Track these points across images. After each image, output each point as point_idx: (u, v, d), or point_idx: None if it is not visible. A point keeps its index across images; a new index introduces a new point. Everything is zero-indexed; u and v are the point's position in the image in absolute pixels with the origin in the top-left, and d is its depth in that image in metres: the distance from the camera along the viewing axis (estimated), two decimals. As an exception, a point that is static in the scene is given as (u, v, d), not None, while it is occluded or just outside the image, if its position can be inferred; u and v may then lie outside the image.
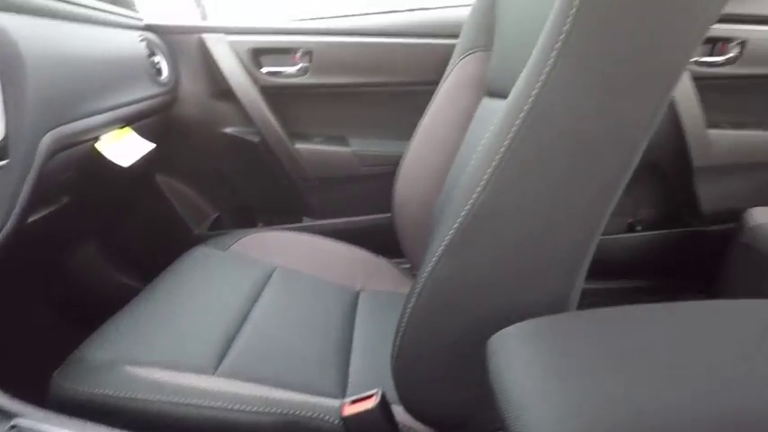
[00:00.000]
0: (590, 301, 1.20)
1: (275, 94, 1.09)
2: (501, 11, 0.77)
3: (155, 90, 0.94)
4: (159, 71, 0.99)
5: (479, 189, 0.42)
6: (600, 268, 1.18)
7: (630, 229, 1.19)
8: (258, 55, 1.07)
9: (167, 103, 1.02)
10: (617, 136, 0.40)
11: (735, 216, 1.05)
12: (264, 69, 1.08)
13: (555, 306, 0.48)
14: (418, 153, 0.92)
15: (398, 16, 1.07)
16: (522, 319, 0.43)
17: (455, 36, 0.90)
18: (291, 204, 1.21)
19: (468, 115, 0.84)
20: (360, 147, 1.13)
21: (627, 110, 0.39)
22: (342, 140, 1.15)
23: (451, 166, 0.84)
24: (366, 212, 1.17)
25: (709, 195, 1.09)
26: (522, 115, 0.39)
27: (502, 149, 0.41)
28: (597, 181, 0.42)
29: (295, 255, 0.90)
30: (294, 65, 1.08)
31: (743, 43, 0.99)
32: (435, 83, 0.90)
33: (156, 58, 0.99)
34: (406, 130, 0.95)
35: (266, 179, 1.17)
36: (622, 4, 0.36)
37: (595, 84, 0.38)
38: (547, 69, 0.38)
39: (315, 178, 1.14)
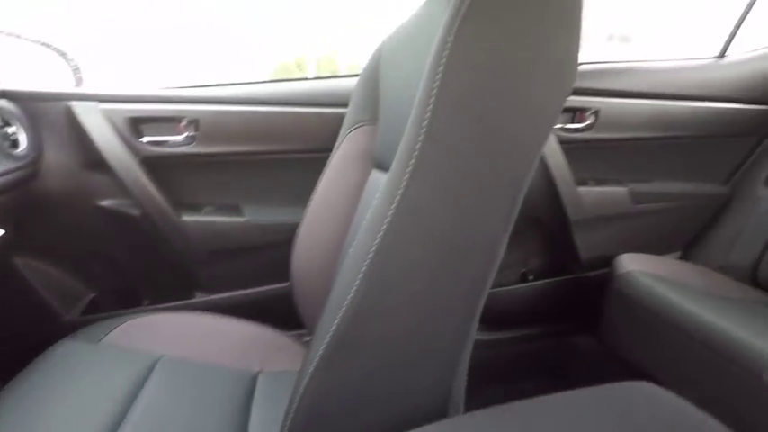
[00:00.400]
0: (492, 352, 1.26)
1: (158, 165, 1.02)
2: (383, 84, 0.80)
3: (8, 165, 0.82)
4: (15, 143, 0.88)
5: (365, 265, 0.41)
6: (497, 318, 1.25)
7: (523, 278, 1.26)
8: (138, 124, 1.00)
9: (26, 178, 0.90)
10: (493, 204, 0.42)
11: (609, 262, 1.16)
12: (145, 139, 1.01)
13: (440, 392, 0.47)
14: (314, 222, 0.90)
15: (289, 85, 1.07)
16: (408, 397, 0.41)
17: (346, 105, 0.91)
18: (181, 280, 1.11)
19: (359, 187, 0.84)
20: (254, 216, 1.09)
21: (496, 181, 0.41)
22: (235, 210, 1.10)
23: (346, 236, 0.83)
24: (263, 283, 1.12)
25: (585, 244, 1.20)
26: (400, 191, 0.40)
27: (383, 227, 0.40)
28: (479, 246, 0.43)
29: (183, 339, 0.82)
30: (179, 134, 1.02)
31: (596, 112, 1.14)
32: (329, 150, 0.91)
33: (11, 129, 0.88)
34: (301, 197, 0.94)
35: (150, 255, 1.07)
36: (478, 89, 0.37)
37: (461, 162, 0.40)
38: (418, 146, 0.39)
39: (205, 251, 1.07)
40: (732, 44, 1.23)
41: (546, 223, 1.20)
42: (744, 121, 1.22)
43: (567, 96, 0.43)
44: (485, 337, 1.22)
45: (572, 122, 1.15)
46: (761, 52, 1.23)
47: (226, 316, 0.90)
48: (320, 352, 0.44)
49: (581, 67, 1.17)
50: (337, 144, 0.89)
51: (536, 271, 1.26)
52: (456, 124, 0.39)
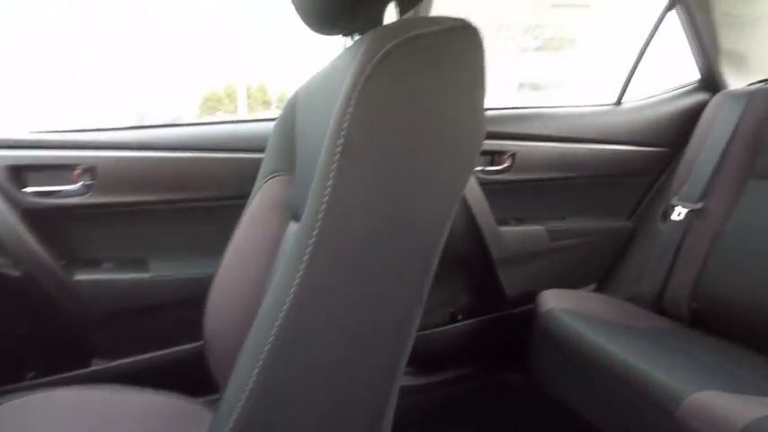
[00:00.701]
0: (423, 397, 1.24)
1: (46, 217, 0.90)
2: (298, 132, 0.77)
3: None
4: None
5: (277, 324, 0.38)
6: (427, 361, 1.23)
7: (453, 318, 1.26)
8: (20, 173, 0.88)
9: None
10: (404, 271, 0.40)
11: (533, 297, 1.19)
12: (29, 189, 0.89)
13: None
14: (229, 275, 0.83)
15: (199, 128, 1.01)
16: None
17: (262, 150, 0.87)
18: (73, 347, 0.97)
19: (276, 239, 0.79)
20: (162, 270, 0.99)
21: (403, 253, 0.40)
22: (140, 264, 0.99)
23: (263, 291, 0.78)
24: (173, 344, 1.01)
25: (510, 281, 1.23)
26: (311, 241, 0.37)
27: (296, 281, 0.38)
28: (400, 295, 0.41)
29: (70, 424, 0.70)
30: (73, 183, 0.91)
31: (513, 155, 1.19)
32: (244, 198, 0.85)
33: None
34: (214, 249, 0.86)
35: (35, 320, 0.93)
36: (382, 152, 0.36)
37: (365, 227, 0.38)
38: (326, 198, 0.37)
39: (103, 312, 0.95)
40: (627, 92, 1.36)
41: (471, 262, 1.21)
42: (641, 161, 1.34)
43: (476, 157, 0.42)
44: (415, 382, 1.19)
45: (491, 165, 1.19)
46: (651, 100, 1.37)
47: (127, 387, 0.79)
48: (230, 425, 0.39)
49: (499, 113, 1.22)
50: (253, 193, 0.83)
51: (465, 310, 1.27)
52: (359, 191, 0.37)
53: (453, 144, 0.40)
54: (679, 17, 1.25)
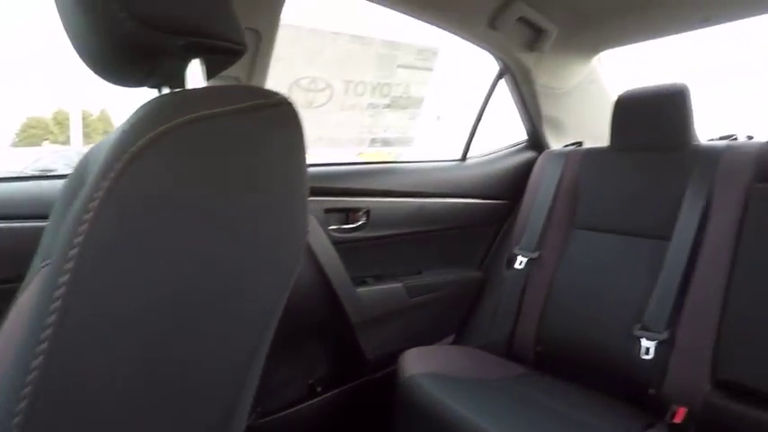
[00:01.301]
0: None
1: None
2: None
3: None
4: None
5: None
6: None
7: (312, 391, 1.14)
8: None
9: None
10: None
11: (395, 357, 1.14)
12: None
13: None
14: None
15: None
16: None
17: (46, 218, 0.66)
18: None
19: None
20: None
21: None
22: None
23: None
24: None
25: (371, 344, 1.17)
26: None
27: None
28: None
29: None
30: None
31: (368, 212, 1.15)
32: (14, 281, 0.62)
33: None
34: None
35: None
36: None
37: None
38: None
39: None
40: (471, 148, 1.45)
41: (329, 328, 1.12)
42: (486, 213, 1.42)
43: (298, 257, 0.36)
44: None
45: (346, 223, 1.14)
46: (490, 156, 1.48)
47: None
48: None
49: (352, 168, 1.18)
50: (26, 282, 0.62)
51: (324, 380, 1.16)
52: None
53: (264, 240, 0.35)
54: (507, 85, 1.39)
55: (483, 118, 1.41)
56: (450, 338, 1.40)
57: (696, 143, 1.10)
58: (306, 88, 1.02)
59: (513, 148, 1.51)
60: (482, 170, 1.42)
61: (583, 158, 1.25)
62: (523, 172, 1.41)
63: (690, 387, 0.92)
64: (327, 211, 1.07)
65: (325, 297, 1.06)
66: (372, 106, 1.13)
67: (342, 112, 1.10)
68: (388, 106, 1.17)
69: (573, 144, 1.41)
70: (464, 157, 1.43)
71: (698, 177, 1.03)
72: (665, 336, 0.95)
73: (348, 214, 1.14)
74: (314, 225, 1.02)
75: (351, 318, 1.10)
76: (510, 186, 1.44)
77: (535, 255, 1.22)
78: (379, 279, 1.20)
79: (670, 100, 1.09)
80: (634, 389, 0.98)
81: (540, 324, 1.17)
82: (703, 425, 0.88)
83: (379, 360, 1.18)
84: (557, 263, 1.19)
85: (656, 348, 0.95)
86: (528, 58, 1.28)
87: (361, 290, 1.12)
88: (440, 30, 1.15)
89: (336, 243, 1.08)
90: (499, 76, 1.36)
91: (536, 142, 1.49)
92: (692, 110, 1.08)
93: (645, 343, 0.97)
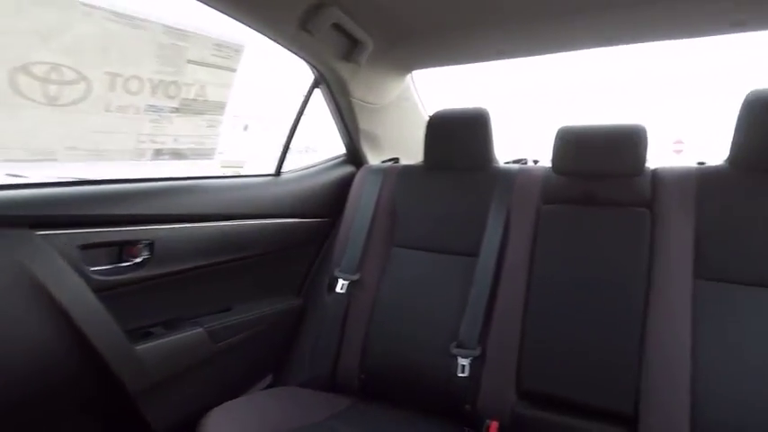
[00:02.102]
0: None
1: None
2: None
3: None
4: None
5: None
6: None
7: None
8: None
9: None
10: None
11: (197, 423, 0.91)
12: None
13: None
14: None
15: None
16: None
17: None
18: None
19: None
20: None
21: None
22: None
23: None
24: None
25: (161, 415, 0.91)
26: None
27: None
28: None
29: None
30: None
31: (151, 244, 0.90)
32: None
33: None
34: None
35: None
36: None
37: None
38: None
39: None
40: (286, 163, 1.30)
41: (98, 404, 0.83)
42: (304, 233, 1.30)
43: None
44: None
45: (119, 261, 0.86)
46: (308, 171, 1.36)
47: None
48: None
49: (125, 188, 0.91)
50: None
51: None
52: None
53: None
54: (323, 96, 1.29)
55: (298, 130, 1.28)
56: (268, 380, 1.23)
57: (496, 165, 1.17)
58: (43, 78, 0.72)
59: (330, 163, 1.42)
60: (299, 186, 1.29)
61: (399, 175, 1.23)
62: (342, 188, 1.33)
63: (499, 400, 0.95)
64: (85, 247, 0.78)
65: (87, 364, 0.78)
66: (154, 109, 0.88)
67: (108, 115, 0.82)
68: (176, 110, 0.93)
69: (390, 160, 1.39)
70: (278, 172, 1.27)
71: (498, 197, 1.09)
72: (477, 352, 0.97)
73: (122, 249, 0.86)
74: (59, 268, 0.72)
75: (128, 386, 0.83)
76: (329, 203, 1.34)
77: (356, 277, 1.15)
78: (170, 327, 0.95)
79: (474, 122, 1.14)
80: (452, 406, 0.98)
81: (363, 350, 1.10)
82: None
83: (173, 430, 0.94)
84: (378, 283, 1.14)
85: (471, 365, 0.97)
86: (344, 69, 1.20)
87: (144, 346, 0.86)
88: (245, 27, 0.98)
89: (102, 289, 0.80)
90: (314, 86, 1.25)
91: (354, 157, 1.43)
92: (491, 132, 1.14)
93: (461, 361, 0.97)
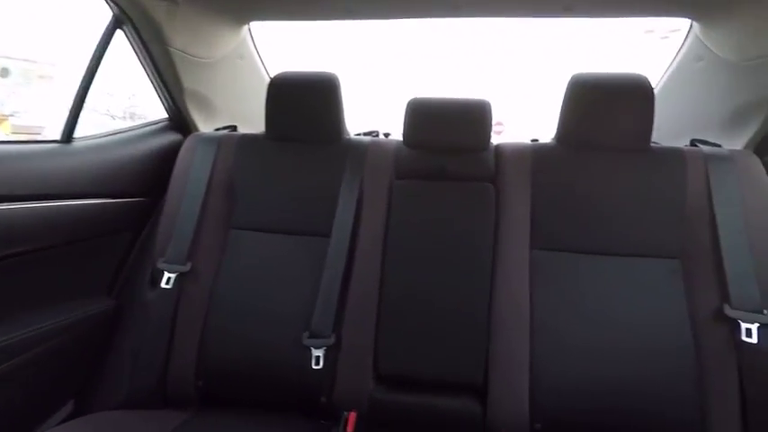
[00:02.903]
0: None
1: None
2: None
3: None
4: None
5: None
6: None
7: None
8: None
9: None
10: None
11: None
12: None
13: None
14: None
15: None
16: None
17: None
18: None
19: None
20: None
21: None
22: None
23: None
24: None
25: None
26: None
27: None
28: None
29: None
30: None
31: None
32: None
33: None
34: None
35: None
36: None
37: None
38: None
39: None
40: (79, 125, 0.99)
41: None
42: (112, 218, 1.03)
43: None
44: None
45: None
46: (116, 137, 1.07)
47: None
48: None
49: None
50: None
51: None
52: None
53: None
54: (129, 41, 1.01)
55: (93, 83, 0.98)
56: (68, 407, 0.96)
57: (348, 137, 1.08)
58: None
59: (147, 129, 1.14)
60: (101, 157, 1.01)
61: (237, 146, 1.05)
62: (165, 160, 1.09)
63: (356, 389, 0.90)
64: None
65: None
66: None
67: None
68: None
69: (226, 128, 1.19)
70: (67, 138, 0.96)
71: (350, 172, 1.01)
72: (332, 340, 0.90)
73: None
74: None
75: None
76: (147, 179, 1.09)
77: (186, 267, 0.96)
78: None
79: (322, 88, 1.02)
80: (307, 401, 0.90)
81: (199, 352, 0.93)
82: (371, 423, 0.88)
83: None
84: (214, 274, 0.97)
85: (325, 355, 0.89)
86: (155, 8, 0.94)
87: None
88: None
89: None
90: (114, 26, 0.96)
91: (179, 122, 1.18)
92: (341, 101, 1.04)
93: (315, 352, 0.89)
